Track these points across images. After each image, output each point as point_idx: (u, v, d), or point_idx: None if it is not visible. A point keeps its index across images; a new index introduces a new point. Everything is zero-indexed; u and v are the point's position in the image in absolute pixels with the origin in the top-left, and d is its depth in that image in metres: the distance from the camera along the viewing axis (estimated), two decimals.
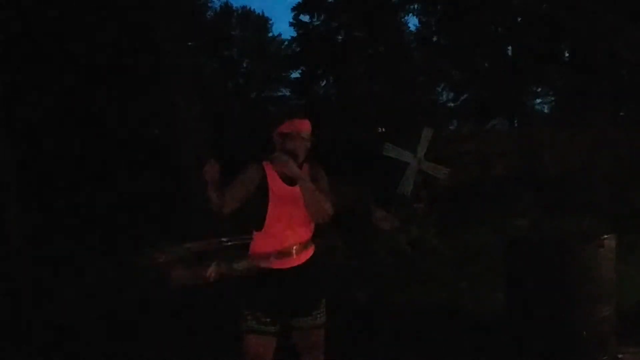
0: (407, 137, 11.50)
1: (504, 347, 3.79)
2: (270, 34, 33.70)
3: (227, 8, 30.50)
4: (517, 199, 9.67)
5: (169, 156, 10.22)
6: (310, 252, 2.75)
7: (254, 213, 2.70)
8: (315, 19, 22.08)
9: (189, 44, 13.29)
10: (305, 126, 2.74)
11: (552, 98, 23.24)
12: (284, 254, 2.66)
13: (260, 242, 2.70)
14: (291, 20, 22.82)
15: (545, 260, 3.57)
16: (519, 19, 19.35)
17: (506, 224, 7.92)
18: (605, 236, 3.60)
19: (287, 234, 2.68)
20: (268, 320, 2.65)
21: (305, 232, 2.74)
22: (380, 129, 18.81)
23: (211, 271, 2.66)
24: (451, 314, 4.83)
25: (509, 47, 20.97)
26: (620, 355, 3.68)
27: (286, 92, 28.64)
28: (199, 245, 2.94)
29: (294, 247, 2.68)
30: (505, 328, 3.85)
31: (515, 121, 21.52)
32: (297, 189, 2.69)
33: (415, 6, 20.53)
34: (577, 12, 12.73)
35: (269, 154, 2.74)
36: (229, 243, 2.90)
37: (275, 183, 2.69)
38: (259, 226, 2.69)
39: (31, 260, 8.11)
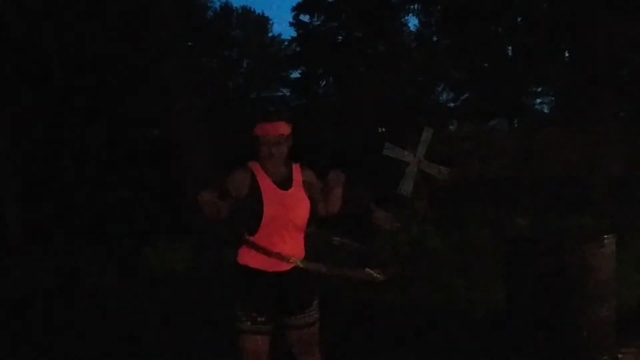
0: (407, 137, 11.48)
1: (504, 347, 3.79)
2: (270, 34, 33.79)
3: (227, 8, 30.52)
4: (517, 199, 9.67)
5: (169, 156, 10.23)
6: (303, 252, 2.75)
7: (247, 216, 2.68)
8: (315, 19, 22.06)
9: (189, 44, 13.29)
10: (273, 129, 2.66)
11: (552, 98, 23.27)
12: (279, 257, 2.66)
13: (254, 246, 2.69)
14: (291, 20, 22.85)
15: (545, 260, 3.56)
16: (519, 19, 19.36)
17: (506, 224, 7.91)
18: (605, 236, 3.60)
19: (281, 238, 2.67)
20: (263, 319, 2.65)
21: (299, 236, 2.74)
22: (380, 129, 18.79)
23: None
24: (451, 314, 4.83)
25: (509, 47, 20.98)
26: (620, 355, 3.67)
27: (286, 92, 28.65)
28: None
29: (289, 252, 2.67)
30: (505, 328, 3.85)
31: (515, 121, 21.54)
32: (290, 192, 2.68)
33: (415, 6, 20.52)
34: (577, 12, 12.74)
35: (255, 155, 2.72)
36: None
37: (267, 187, 2.66)
38: (253, 230, 2.68)
39: (31, 259, 8.12)
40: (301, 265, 2.67)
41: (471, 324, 4.51)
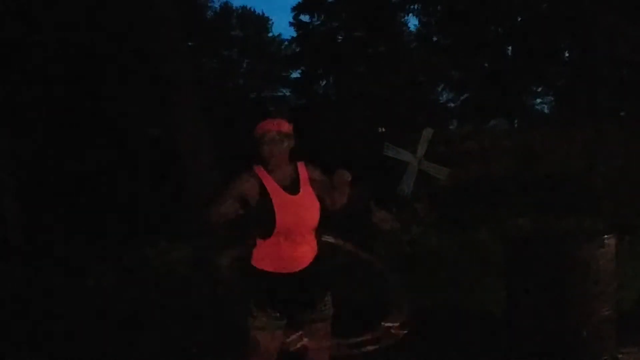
0: (407, 137, 11.49)
1: (504, 347, 3.79)
2: (270, 34, 33.79)
3: (227, 8, 30.56)
4: (517, 199, 9.66)
5: (169, 156, 10.21)
6: (315, 252, 2.76)
7: (259, 225, 2.68)
8: (315, 19, 22.05)
9: (189, 44, 13.29)
10: (274, 126, 2.66)
11: (552, 98, 23.26)
12: (293, 260, 2.66)
13: (267, 250, 2.69)
14: (291, 20, 22.85)
15: (545, 260, 3.56)
16: (519, 19, 19.37)
17: (506, 224, 7.91)
18: (605, 236, 3.60)
19: (294, 241, 2.67)
20: (277, 315, 2.66)
21: (311, 236, 2.74)
22: (380, 129, 18.79)
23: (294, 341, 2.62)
24: (451, 313, 4.83)
25: (509, 47, 20.99)
26: (620, 355, 3.67)
27: (286, 92, 28.65)
28: None
29: (302, 255, 2.68)
30: (505, 328, 3.85)
31: (515, 121, 21.53)
32: (300, 196, 2.67)
33: (415, 6, 20.54)
34: (577, 12, 12.74)
35: (258, 158, 2.72)
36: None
37: (277, 194, 2.64)
38: (266, 236, 2.67)
39: (31, 259, 8.12)
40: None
41: (471, 324, 4.51)
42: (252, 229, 2.71)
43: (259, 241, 2.70)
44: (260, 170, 2.69)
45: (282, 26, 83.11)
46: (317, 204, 2.72)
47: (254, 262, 2.72)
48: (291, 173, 2.72)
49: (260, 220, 2.64)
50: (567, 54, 18.47)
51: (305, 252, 2.70)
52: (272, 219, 2.61)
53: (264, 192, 2.64)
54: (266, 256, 2.68)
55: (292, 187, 2.68)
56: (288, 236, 2.64)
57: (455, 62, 20.66)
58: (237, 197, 2.61)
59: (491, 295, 4.81)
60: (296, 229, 2.65)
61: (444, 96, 25.00)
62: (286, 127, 2.69)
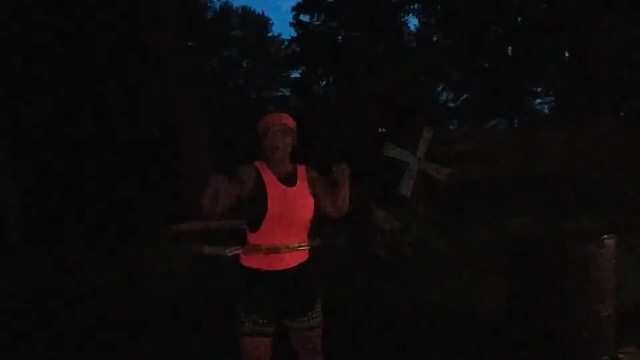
0: (407, 137, 11.48)
1: (504, 347, 3.79)
2: (270, 34, 33.81)
3: (227, 8, 30.57)
4: (517, 199, 9.66)
5: (169, 156, 10.23)
6: (305, 253, 2.75)
7: (250, 214, 2.68)
8: (315, 19, 22.07)
9: (189, 44, 13.30)
10: (279, 119, 2.69)
11: (552, 98, 23.28)
12: (282, 249, 2.64)
13: (256, 242, 2.68)
14: (291, 20, 22.86)
15: (545, 260, 3.56)
16: (519, 19, 19.37)
17: (506, 224, 7.92)
18: (605, 236, 3.60)
19: (283, 236, 2.66)
20: (265, 321, 2.64)
21: (302, 234, 2.73)
22: (380, 129, 18.79)
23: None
24: (451, 314, 4.83)
25: (509, 47, 20.99)
26: (620, 355, 3.68)
27: (286, 92, 28.66)
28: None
29: (290, 246, 2.67)
30: (505, 328, 3.85)
31: (515, 121, 21.55)
32: (295, 189, 2.68)
33: (415, 6, 20.55)
34: (577, 12, 12.74)
35: (260, 154, 2.73)
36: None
37: (272, 183, 2.65)
38: (255, 227, 2.67)
39: (31, 259, 8.12)
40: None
41: (471, 324, 4.51)
42: (244, 221, 2.71)
43: (248, 235, 2.70)
44: (260, 164, 2.71)
45: (282, 26, 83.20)
46: (311, 201, 2.72)
47: (242, 260, 2.72)
48: (290, 169, 2.74)
49: (252, 209, 2.64)
50: (567, 54, 18.47)
51: (294, 246, 2.69)
52: (264, 207, 2.61)
53: (259, 182, 2.65)
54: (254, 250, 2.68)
55: (289, 181, 2.69)
56: (277, 228, 2.63)
57: (455, 62, 20.66)
58: (232, 179, 2.60)
59: (491, 295, 4.81)
60: (286, 221, 2.64)
61: (444, 96, 25.04)
62: (290, 122, 2.72)
